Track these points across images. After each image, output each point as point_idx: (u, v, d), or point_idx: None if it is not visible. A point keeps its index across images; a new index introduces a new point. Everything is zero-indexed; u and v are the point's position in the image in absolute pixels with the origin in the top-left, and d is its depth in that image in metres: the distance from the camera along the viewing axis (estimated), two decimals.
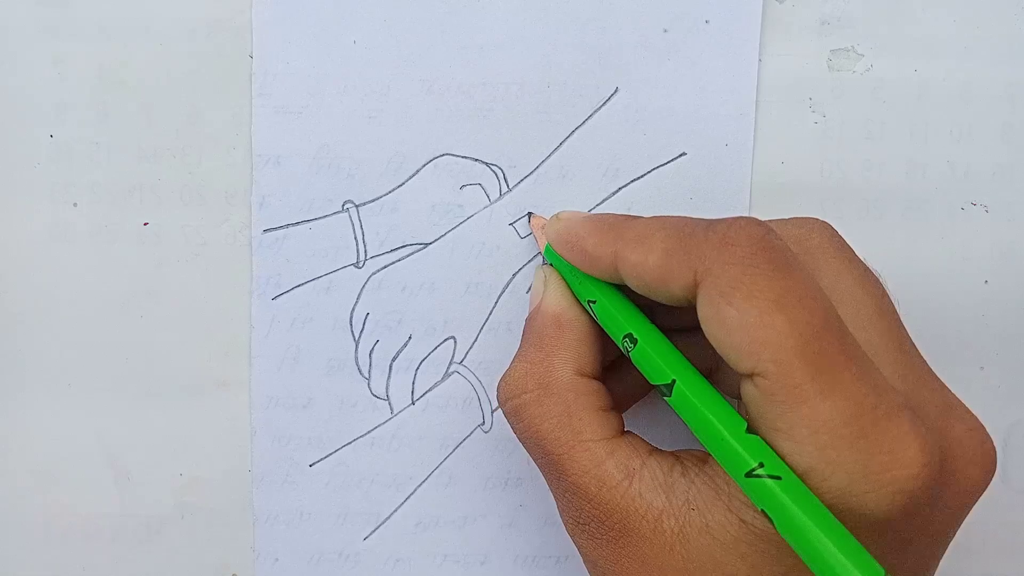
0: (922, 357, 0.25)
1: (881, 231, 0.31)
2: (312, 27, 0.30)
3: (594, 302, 0.26)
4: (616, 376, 0.29)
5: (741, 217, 0.23)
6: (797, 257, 0.23)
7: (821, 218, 0.26)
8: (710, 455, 0.24)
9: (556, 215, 0.28)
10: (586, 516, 0.24)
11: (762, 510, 0.21)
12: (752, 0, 0.30)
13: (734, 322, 0.22)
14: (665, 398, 0.24)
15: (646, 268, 0.24)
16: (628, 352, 0.25)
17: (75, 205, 0.30)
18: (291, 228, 0.30)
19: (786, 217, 0.26)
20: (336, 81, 0.30)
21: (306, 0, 0.29)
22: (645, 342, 0.24)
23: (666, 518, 0.23)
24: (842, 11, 0.30)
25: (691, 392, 0.23)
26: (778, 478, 0.21)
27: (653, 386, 0.30)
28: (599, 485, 0.24)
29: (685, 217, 0.24)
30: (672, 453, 0.25)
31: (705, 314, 0.22)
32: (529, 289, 0.31)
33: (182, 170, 0.30)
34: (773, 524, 0.21)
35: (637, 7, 0.30)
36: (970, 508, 0.24)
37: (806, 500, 0.21)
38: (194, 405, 0.31)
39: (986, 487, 0.23)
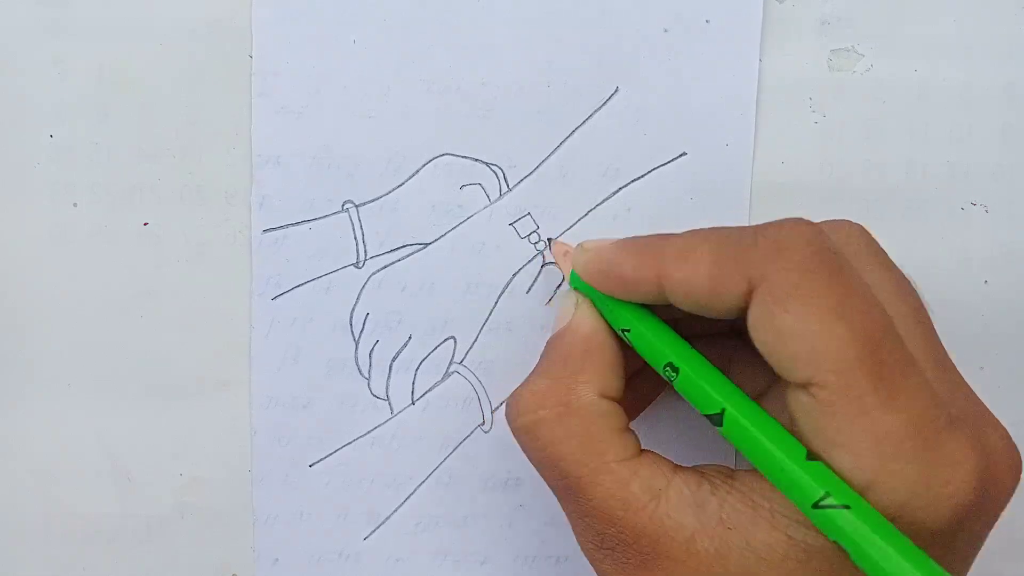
0: (954, 366, 0.24)
1: (881, 231, 0.31)
2: (312, 27, 0.30)
3: (628, 331, 0.25)
4: (628, 387, 0.29)
5: (790, 219, 0.23)
6: (850, 262, 0.22)
7: (860, 223, 0.26)
8: (736, 470, 0.23)
9: (581, 245, 0.27)
10: (611, 541, 0.23)
11: (833, 540, 0.21)
12: (752, 0, 0.30)
13: (791, 330, 0.21)
14: (717, 428, 0.23)
15: (695, 283, 0.23)
16: (672, 380, 0.24)
17: (75, 205, 0.30)
18: (291, 228, 0.30)
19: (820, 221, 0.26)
20: (336, 81, 0.30)
21: (306, 0, 0.29)
22: (689, 370, 0.24)
23: (699, 538, 0.22)
24: (842, 11, 0.30)
25: (745, 420, 0.22)
26: (847, 507, 0.20)
27: (659, 394, 0.30)
28: (625, 508, 0.23)
29: (725, 227, 0.24)
30: (696, 470, 0.24)
31: (758, 322, 0.22)
32: (530, 290, 0.31)
33: (182, 170, 0.30)
34: (848, 555, 0.20)
35: (637, 7, 0.30)
36: (999, 515, 0.23)
37: (880, 527, 0.20)
38: (194, 405, 0.31)
39: (1013, 494, 0.23)
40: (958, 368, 0.31)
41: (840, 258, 0.22)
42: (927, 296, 0.31)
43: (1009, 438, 0.23)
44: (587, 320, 0.26)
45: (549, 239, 0.30)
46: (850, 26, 0.30)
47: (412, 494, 0.31)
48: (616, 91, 0.30)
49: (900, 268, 0.25)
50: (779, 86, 0.30)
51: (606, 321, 0.26)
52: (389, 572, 0.32)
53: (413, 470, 0.31)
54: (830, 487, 0.20)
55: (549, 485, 0.25)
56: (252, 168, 0.30)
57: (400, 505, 0.31)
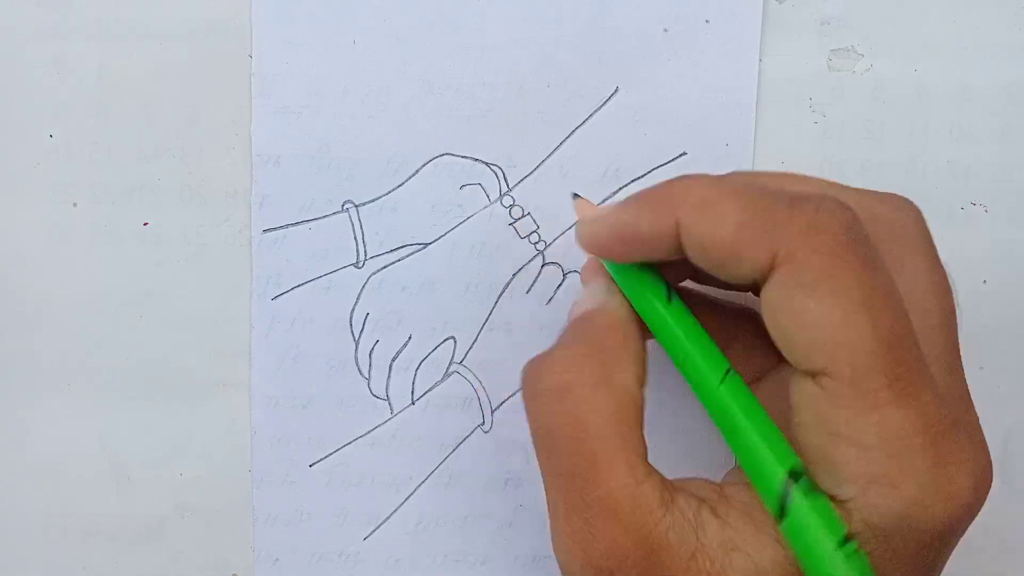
0: (963, 373, 0.24)
1: None
2: (312, 27, 0.30)
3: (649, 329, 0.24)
4: None
5: (828, 198, 0.21)
6: (880, 253, 0.21)
7: (913, 202, 0.25)
8: (723, 484, 0.23)
9: (583, 219, 0.24)
10: (606, 542, 0.21)
11: None
12: (752, 0, 0.30)
13: (812, 316, 0.20)
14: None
15: (716, 241, 0.21)
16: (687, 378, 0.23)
17: (75, 205, 0.30)
18: (291, 228, 0.30)
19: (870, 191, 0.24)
20: (336, 81, 0.30)
21: (306, 0, 0.29)
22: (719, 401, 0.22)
23: (700, 559, 0.21)
24: (842, 11, 0.30)
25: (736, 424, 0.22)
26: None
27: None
28: (634, 504, 0.21)
29: (754, 184, 0.22)
30: (691, 493, 0.22)
31: (777, 301, 0.21)
32: (530, 290, 0.31)
33: (182, 170, 0.30)
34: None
35: (637, 7, 0.30)
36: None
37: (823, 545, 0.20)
38: (194, 405, 0.31)
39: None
40: None
41: (873, 249, 0.21)
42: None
43: (987, 453, 0.23)
44: (623, 309, 0.24)
45: (575, 194, 0.27)
46: (850, 26, 0.30)
47: (412, 494, 0.31)
48: (616, 91, 0.30)
49: (944, 264, 0.24)
50: (779, 86, 0.30)
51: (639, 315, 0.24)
52: (389, 572, 0.32)
53: (413, 470, 0.31)
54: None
55: (546, 464, 0.22)
56: (252, 168, 0.30)
57: (400, 505, 0.31)
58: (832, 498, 0.21)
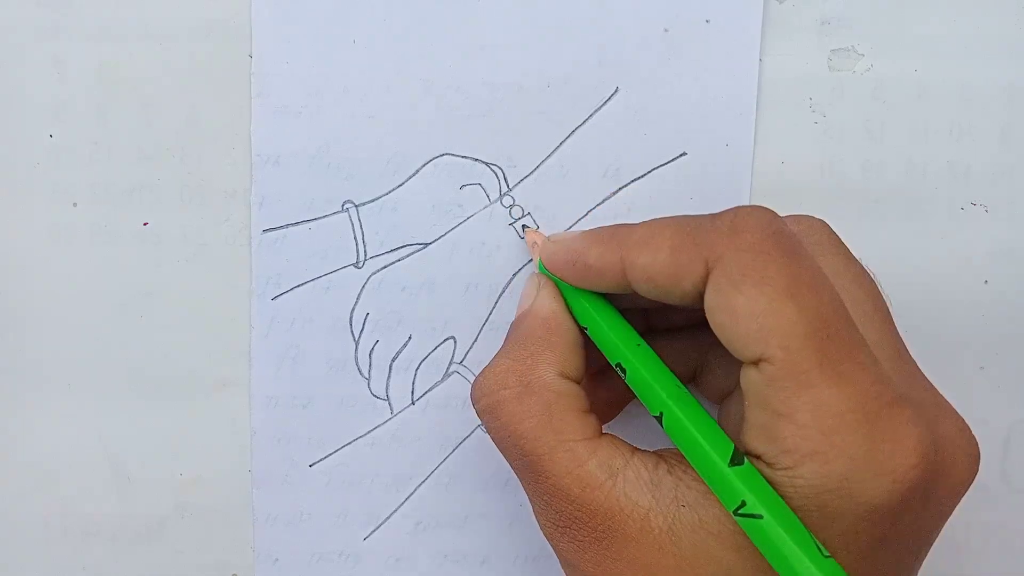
0: (912, 357, 0.25)
1: (881, 231, 0.31)
2: (312, 27, 0.30)
3: (587, 328, 0.26)
4: (608, 379, 0.29)
5: (748, 205, 0.23)
6: (804, 245, 0.23)
7: (821, 218, 0.26)
8: None
9: (549, 238, 0.27)
10: (567, 518, 0.24)
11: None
12: (752, 0, 0.30)
13: (743, 309, 0.22)
14: (662, 427, 0.24)
15: (656, 268, 0.23)
16: (624, 377, 0.25)
17: (75, 205, 0.30)
18: (291, 228, 0.30)
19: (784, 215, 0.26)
20: (336, 81, 0.30)
21: (306, 0, 0.29)
22: (633, 372, 0.24)
23: (653, 516, 0.23)
24: (842, 11, 0.30)
25: (678, 424, 0.23)
26: (759, 517, 0.21)
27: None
28: (581, 486, 0.23)
29: (687, 215, 0.24)
30: (655, 452, 0.24)
31: (714, 303, 0.22)
32: None
33: (182, 170, 0.30)
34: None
35: (637, 7, 0.30)
36: (953, 508, 0.24)
37: (789, 538, 0.21)
38: (194, 405, 0.31)
39: (969, 487, 0.24)
40: (958, 368, 0.31)
41: (794, 241, 0.23)
42: (930, 296, 0.31)
43: (967, 431, 0.24)
44: (548, 302, 0.27)
45: (524, 226, 0.30)
46: (850, 26, 0.30)
47: (412, 494, 0.31)
48: (616, 91, 0.30)
49: (860, 260, 0.26)
50: (779, 86, 0.30)
51: (567, 305, 0.27)
52: (389, 572, 0.32)
53: (413, 470, 0.31)
54: (747, 495, 0.21)
55: (512, 466, 0.26)
56: (252, 168, 0.30)
57: (400, 505, 0.31)
58: (771, 466, 0.22)
